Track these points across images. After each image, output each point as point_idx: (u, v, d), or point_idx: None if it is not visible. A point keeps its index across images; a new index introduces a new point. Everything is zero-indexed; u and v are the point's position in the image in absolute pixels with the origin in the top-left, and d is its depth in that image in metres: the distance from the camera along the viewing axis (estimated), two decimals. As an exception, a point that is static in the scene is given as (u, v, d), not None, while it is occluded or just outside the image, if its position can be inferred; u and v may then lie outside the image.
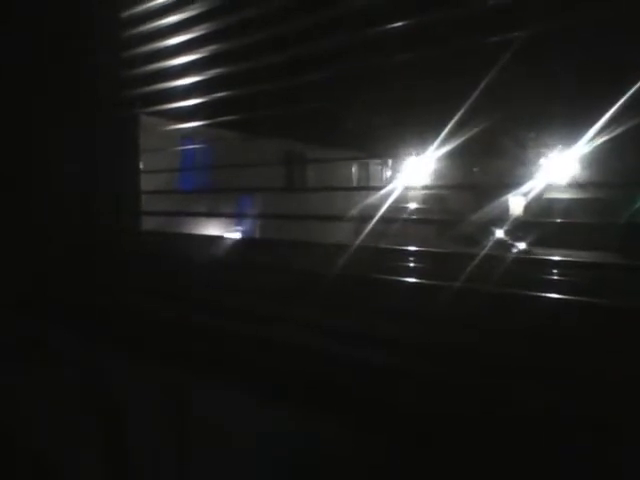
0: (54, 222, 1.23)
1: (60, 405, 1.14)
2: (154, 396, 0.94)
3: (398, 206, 0.90)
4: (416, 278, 0.78)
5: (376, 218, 0.83)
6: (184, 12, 1.05)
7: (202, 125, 1.16)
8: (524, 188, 0.73)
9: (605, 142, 0.64)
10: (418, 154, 0.86)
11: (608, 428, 0.51)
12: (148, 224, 1.33)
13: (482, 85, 0.69)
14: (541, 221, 0.78)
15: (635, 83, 0.59)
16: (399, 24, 0.76)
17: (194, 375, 0.87)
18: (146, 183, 1.30)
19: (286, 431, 0.76)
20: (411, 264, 0.84)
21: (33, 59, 1.22)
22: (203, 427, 0.88)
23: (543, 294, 0.66)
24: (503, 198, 0.79)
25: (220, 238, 1.11)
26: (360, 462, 0.69)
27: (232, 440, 0.83)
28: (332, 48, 0.86)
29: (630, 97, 0.59)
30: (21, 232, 1.25)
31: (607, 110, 0.61)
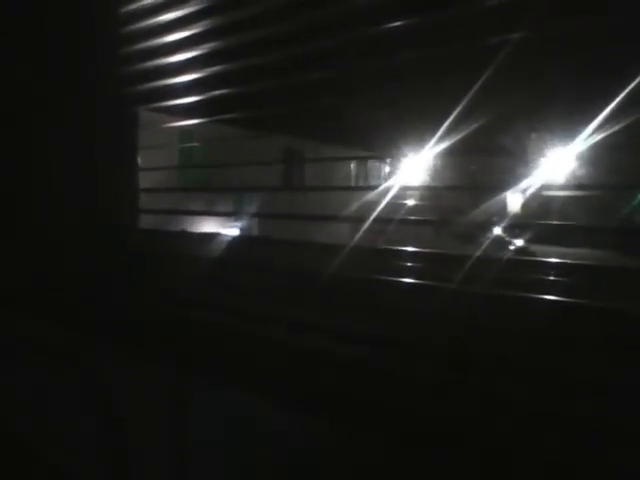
0: (54, 221, 1.23)
1: (60, 405, 1.14)
2: (154, 396, 0.94)
3: (396, 203, 0.90)
4: (414, 278, 0.78)
5: (373, 217, 0.83)
6: (184, 9, 1.04)
7: (200, 121, 1.16)
8: (522, 185, 0.73)
9: (603, 140, 0.64)
10: (417, 151, 0.86)
11: (608, 429, 0.52)
12: (148, 222, 1.33)
13: (481, 83, 0.69)
14: (538, 222, 0.79)
15: (632, 81, 0.59)
16: (400, 23, 0.76)
17: (194, 375, 0.87)
18: (145, 180, 1.30)
19: (286, 431, 0.76)
20: (409, 264, 0.84)
21: (32, 57, 1.22)
22: (203, 427, 0.88)
23: (540, 295, 0.67)
24: (501, 195, 0.79)
25: (220, 236, 1.11)
26: (360, 463, 0.69)
27: (232, 440, 0.83)
28: (332, 46, 0.86)
29: (627, 95, 0.60)
30: (21, 231, 1.25)
31: (605, 108, 0.62)
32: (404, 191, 0.87)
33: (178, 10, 1.05)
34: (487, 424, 0.58)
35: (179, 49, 1.06)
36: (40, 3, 1.21)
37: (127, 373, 0.99)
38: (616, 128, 0.63)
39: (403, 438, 0.64)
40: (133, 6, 1.16)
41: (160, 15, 1.08)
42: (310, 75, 0.91)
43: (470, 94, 0.71)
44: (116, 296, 1.07)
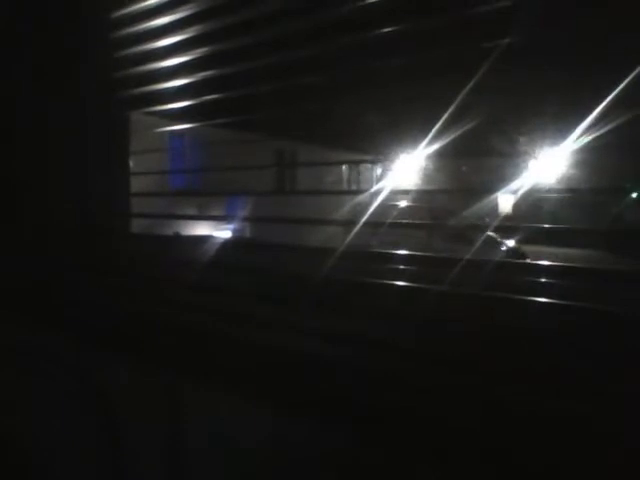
0: (49, 224, 1.23)
1: (58, 406, 1.13)
2: (152, 398, 0.94)
3: (388, 204, 0.90)
4: (407, 281, 0.79)
5: (364, 219, 0.83)
6: (176, 13, 1.05)
7: (192, 124, 1.16)
8: (513, 186, 0.74)
9: (594, 142, 0.65)
10: (408, 153, 0.86)
11: (607, 430, 0.52)
12: (142, 225, 1.33)
13: (472, 86, 0.70)
14: (530, 225, 0.79)
15: (621, 82, 0.60)
16: (391, 28, 0.77)
17: (192, 377, 0.87)
18: (137, 183, 1.30)
19: (284, 433, 0.77)
20: (401, 266, 0.84)
21: (26, 61, 1.21)
22: (201, 429, 0.88)
23: (532, 298, 0.67)
24: (493, 196, 0.80)
25: (214, 239, 1.11)
26: (360, 464, 0.70)
27: (230, 442, 0.84)
28: (325, 51, 0.87)
29: (618, 95, 0.60)
30: (19, 234, 1.25)
31: (595, 109, 0.62)
32: (396, 194, 0.88)
33: (171, 15, 1.05)
34: (487, 424, 0.59)
35: (172, 53, 1.07)
36: (36, 7, 1.21)
37: (125, 374, 0.99)
38: (605, 130, 0.64)
39: (403, 439, 0.65)
40: (126, 10, 1.16)
41: (153, 20, 1.09)
42: (303, 79, 0.91)
43: (461, 97, 0.71)
44: (114, 299, 1.07)
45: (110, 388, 1.02)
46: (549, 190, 0.84)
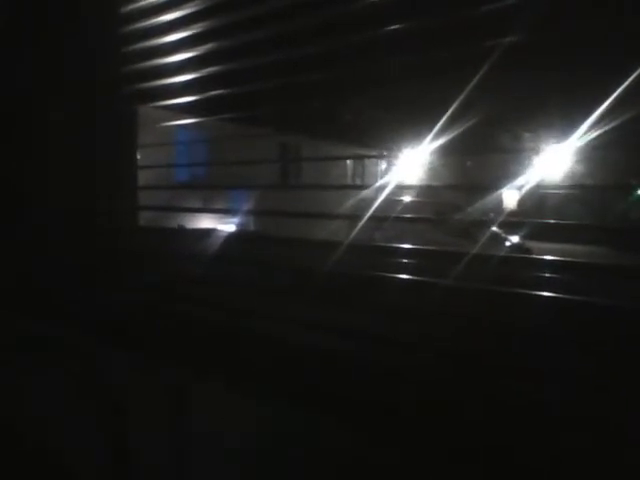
0: (52, 220, 1.23)
1: (60, 405, 1.14)
2: (154, 395, 0.94)
3: (393, 199, 0.90)
4: (411, 275, 0.79)
5: (369, 213, 0.83)
6: (183, 8, 1.05)
7: (198, 118, 1.16)
8: (518, 182, 0.74)
9: (599, 139, 0.65)
10: (413, 148, 0.86)
11: (608, 427, 0.53)
12: (147, 219, 1.33)
13: (477, 82, 0.70)
14: (534, 221, 0.79)
15: (625, 79, 0.60)
16: (398, 26, 0.77)
17: (194, 374, 0.87)
18: (143, 177, 1.31)
19: (286, 431, 0.77)
20: (405, 260, 0.84)
21: (32, 56, 1.22)
22: (203, 427, 0.88)
23: (536, 292, 0.67)
24: (497, 192, 0.80)
25: (217, 232, 1.11)
26: (362, 461, 0.70)
27: (232, 440, 0.84)
28: (330, 48, 0.87)
29: (622, 93, 0.60)
30: (20, 231, 1.25)
31: (600, 106, 0.62)
32: (401, 189, 0.88)
33: (178, 11, 1.05)
34: (489, 420, 0.59)
35: (178, 48, 1.07)
36: (40, 2, 1.21)
37: (127, 372, 1.00)
38: (610, 127, 0.64)
39: (404, 435, 0.65)
40: (133, 6, 1.16)
41: (159, 15, 1.09)
42: (308, 76, 0.91)
43: (466, 94, 0.72)
44: (116, 295, 1.08)
45: (112, 386, 1.03)
46: (554, 186, 0.84)
